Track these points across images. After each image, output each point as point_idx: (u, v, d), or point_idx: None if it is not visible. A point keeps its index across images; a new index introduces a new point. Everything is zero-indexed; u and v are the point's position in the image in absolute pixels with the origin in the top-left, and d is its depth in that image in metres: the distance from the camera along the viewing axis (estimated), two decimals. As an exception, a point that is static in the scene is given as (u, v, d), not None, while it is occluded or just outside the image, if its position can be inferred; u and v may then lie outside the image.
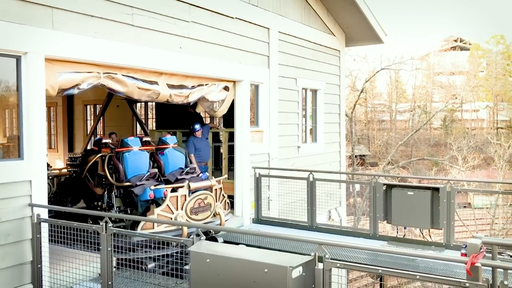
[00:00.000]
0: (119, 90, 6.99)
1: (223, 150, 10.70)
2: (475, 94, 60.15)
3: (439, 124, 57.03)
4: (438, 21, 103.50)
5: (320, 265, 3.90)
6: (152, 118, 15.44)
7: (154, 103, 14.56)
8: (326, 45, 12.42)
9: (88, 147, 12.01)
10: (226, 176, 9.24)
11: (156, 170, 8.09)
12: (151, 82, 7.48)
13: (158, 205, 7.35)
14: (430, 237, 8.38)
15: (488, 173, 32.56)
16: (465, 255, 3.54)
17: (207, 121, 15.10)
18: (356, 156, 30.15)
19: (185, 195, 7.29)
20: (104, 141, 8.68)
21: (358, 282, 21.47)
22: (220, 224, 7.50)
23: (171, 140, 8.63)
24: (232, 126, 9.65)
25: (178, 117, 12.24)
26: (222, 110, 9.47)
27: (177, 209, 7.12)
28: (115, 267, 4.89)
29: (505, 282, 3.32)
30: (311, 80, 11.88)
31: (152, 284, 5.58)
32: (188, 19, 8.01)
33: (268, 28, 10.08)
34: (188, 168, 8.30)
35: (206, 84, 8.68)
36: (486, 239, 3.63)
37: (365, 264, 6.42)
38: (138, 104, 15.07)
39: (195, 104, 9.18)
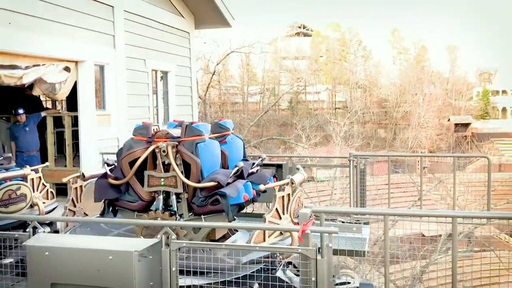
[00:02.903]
0: None
1: (67, 135, 10.00)
2: (317, 78, 65.54)
3: (286, 105, 61.13)
4: (284, 7, 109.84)
5: (166, 247, 3.95)
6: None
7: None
8: (175, 26, 12.31)
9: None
10: (47, 164, 8.27)
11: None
12: (-26, 61, 6.61)
13: None
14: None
15: (328, 149, 35.97)
16: (298, 224, 3.91)
17: (49, 105, 13.93)
18: (210, 138, 30.76)
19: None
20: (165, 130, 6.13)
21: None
22: (39, 214, 6.87)
23: (230, 124, 6.49)
24: (77, 109, 9.06)
25: (15, 101, 11.02)
26: (64, 92, 8.81)
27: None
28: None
29: (330, 245, 3.77)
30: (161, 61, 11.70)
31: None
32: (19, -9, 7.23)
33: (112, 6, 9.60)
34: (1, 157, 7.16)
35: (43, 65, 7.96)
36: (315, 208, 4.05)
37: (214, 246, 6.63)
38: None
39: (32, 85, 8.38)
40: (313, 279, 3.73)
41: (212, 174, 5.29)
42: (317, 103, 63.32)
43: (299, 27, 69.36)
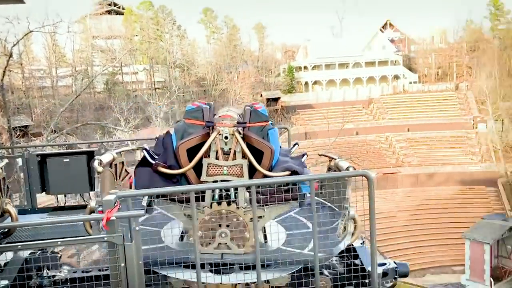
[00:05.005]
0: None
1: None
2: (133, 57, 63.63)
3: (102, 87, 58.03)
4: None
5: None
6: None
7: None
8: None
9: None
10: None
11: None
12: None
13: None
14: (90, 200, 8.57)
15: (149, 131, 35.48)
16: (103, 212, 3.80)
17: None
18: (15, 128, 27.54)
19: None
20: (221, 114, 5.06)
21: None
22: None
23: (266, 112, 5.35)
24: None
25: None
26: None
27: None
28: None
29: (137, 228, 3.76)
30: None
31: None
32: None
33: None
34: None
35: None
36: (120, 193, 3.97)
37: (22, 242, 6.07)
38: None
39: None
40: (123, 264, 3.69)
41: (280, 163, 4.86)
42: (135, 84, 61.63)
43: (109, 5, 65.93)
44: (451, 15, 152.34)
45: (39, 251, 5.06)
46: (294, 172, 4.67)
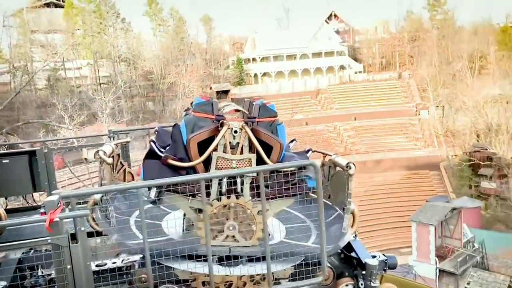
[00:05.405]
0: None
1: None
2: (76, 52, 61.36)
3: (44, 84, 55.63)
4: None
5: None
6: None
7: None
8: None
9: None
10: None
11: None
12: None
13: None
14: (35, 201, 8.27)
15: (95, 128, 34.49)
16: (45, 213, 3.65)
17: None
18: None
19: None
20: (227, 108, 5.12)
21: None
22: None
23: (274, 108, 5.30)
24: None
25: None
26: None
27: None
28: None
29: (82, 229, 3.65)
30: None
31: None
32: None
33: None
34: None
35: None
36: (64, 193, 3.83)
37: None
38: None
39: None
40: (69, 266, 3.58)
41: (287, 157, 4.97)
42: (79, 80, 59.50)
43: (48, -3, 63.05)
44: (392, 6, 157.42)
45: (32, 251, 4.94)
46: (302, 167, 4.79)
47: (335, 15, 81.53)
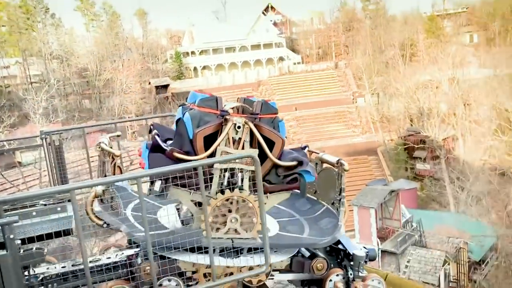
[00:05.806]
0: None
1: None
2: (2, 50, 57.99)
3: (-32, 85, 52.15)
4: None
5: None
6: None
7: None
8: None
9: None
10: None
11: None
12: None
13: None
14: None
15: (28, 129, 32.82)
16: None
17: None
18: None
19: None
20: (230, 105, 5.09)
21: None
22: None
23: (275, 105, 5.42)
24: None
25: None
26: None
27: None
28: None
29: (11, 236, 3.47)
30: None
31: None
32: None
33: None
34: None
35: None
36: (-11, 200, 3.63)
37: None
38: None
39: None
40: (-2, 277, 3.39)
41: (287, 153, 5.15)
42: (7, 79, 56.21)
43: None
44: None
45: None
46: (301, 163, 5.00)
47: (272, 7, 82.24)
